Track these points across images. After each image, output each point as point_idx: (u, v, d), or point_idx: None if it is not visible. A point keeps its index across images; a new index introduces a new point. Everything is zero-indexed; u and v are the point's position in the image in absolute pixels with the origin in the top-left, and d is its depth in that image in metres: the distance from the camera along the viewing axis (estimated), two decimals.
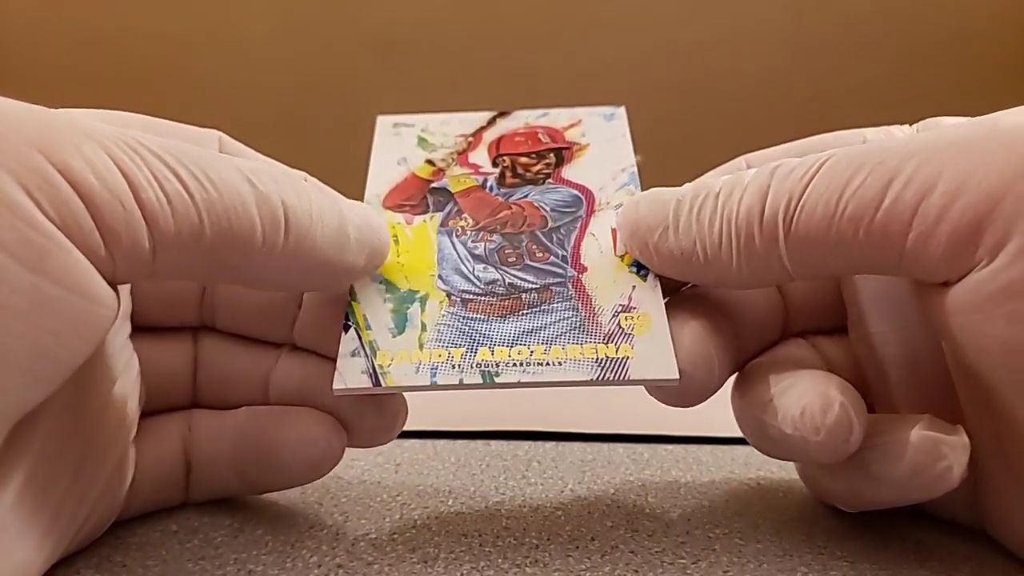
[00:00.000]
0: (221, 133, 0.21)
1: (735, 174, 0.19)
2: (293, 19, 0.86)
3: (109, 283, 0.15)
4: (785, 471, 0.25)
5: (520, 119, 0.26)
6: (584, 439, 0.28)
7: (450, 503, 0.23)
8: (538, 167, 0.24)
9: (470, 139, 0.25)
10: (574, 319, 0.20)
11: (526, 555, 0.20)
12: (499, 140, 0.25)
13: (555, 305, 0.20)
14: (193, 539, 0.20)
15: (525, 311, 0.20)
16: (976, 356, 0.17)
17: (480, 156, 0.24)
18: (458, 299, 0.21)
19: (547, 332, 0.20)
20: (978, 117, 0.20)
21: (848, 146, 0.21)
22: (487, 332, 0.20)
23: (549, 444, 0.28)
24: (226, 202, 0.16)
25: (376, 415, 0.21)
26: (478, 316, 0.20)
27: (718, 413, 0.32)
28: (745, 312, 0.22)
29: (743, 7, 0.89)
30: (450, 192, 0.23)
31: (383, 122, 0.26)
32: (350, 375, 0.19)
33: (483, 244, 0.22)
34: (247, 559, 0.19)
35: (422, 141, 0.25)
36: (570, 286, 0.21)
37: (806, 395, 0.18)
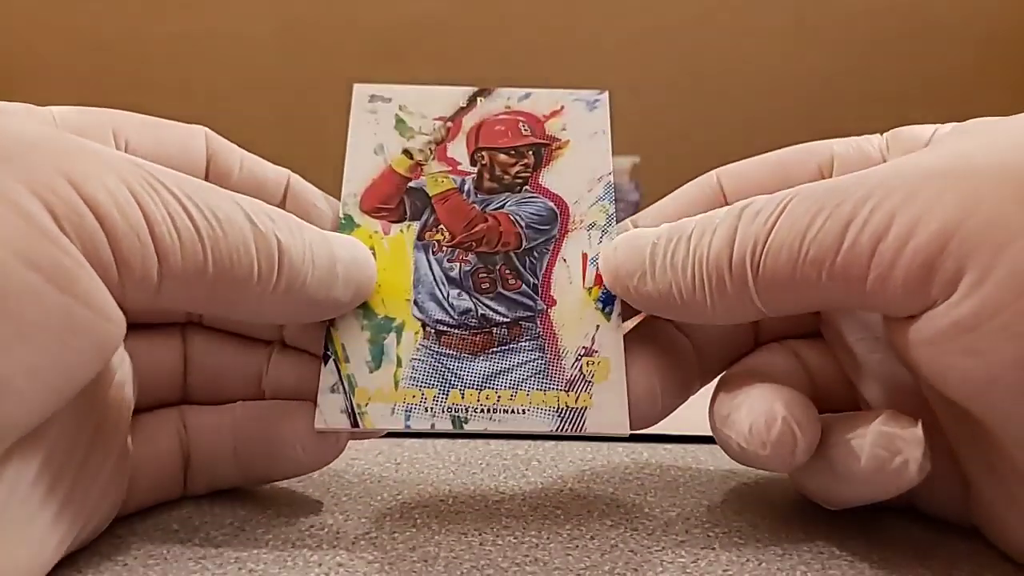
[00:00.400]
0: (207, 129, 0.21)
1: (706, 215, 0.20)
2: (293, 19, 0.86)
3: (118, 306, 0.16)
4: None
5: (501, 99, 0.25)
6: (583, 439, 0.29)
7: (450, 502, 0.23)
8: (517, 168, 0.24)
9: (449, 124, 0.25)
10: (539, 362, 0.21)
11: (526, 554, 0.20)
12: (479, 129, 0.25)
13: (523, 344, 0.21)
14: (194, 538, 0.20)
15: (495, 349, 0.21)
16: (941, 385, 0.17)
17: (459, 149, 0.24)
18: (432, 331, 0.21)
19: (514, 375, 0.21)
20: (935, 141, 0.20)
21: (814, 168, 0.22)
22: (459, 372, 0.21)
23: (549, 443, 0.28)
24: (229, 241, 0.17)
25: None
26: (451, 353, 0.21)
27: None
28: (707, 328, 0.23)
29: (745, 6, 0.90)
30: (428, 196, 0.23)
31: (360, 92, 0.25)
32: (330, 413, 0.20)
33: (458, 265, 0.22)
34: (248, 558, 0.19)
35: (400, 123, 0.24)
36: (538, 323, 0.22)
37: (753, 411, 0.19)
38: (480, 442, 0.28)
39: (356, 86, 0.25)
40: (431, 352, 0.21)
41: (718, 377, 0.23)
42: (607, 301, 0.22)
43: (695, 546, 0.20)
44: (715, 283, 0.19)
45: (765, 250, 0.18)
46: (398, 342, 0.21)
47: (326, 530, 0.21)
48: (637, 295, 0.20)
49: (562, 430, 0.20)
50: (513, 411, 0.21)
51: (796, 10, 0.89)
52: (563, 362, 0.21)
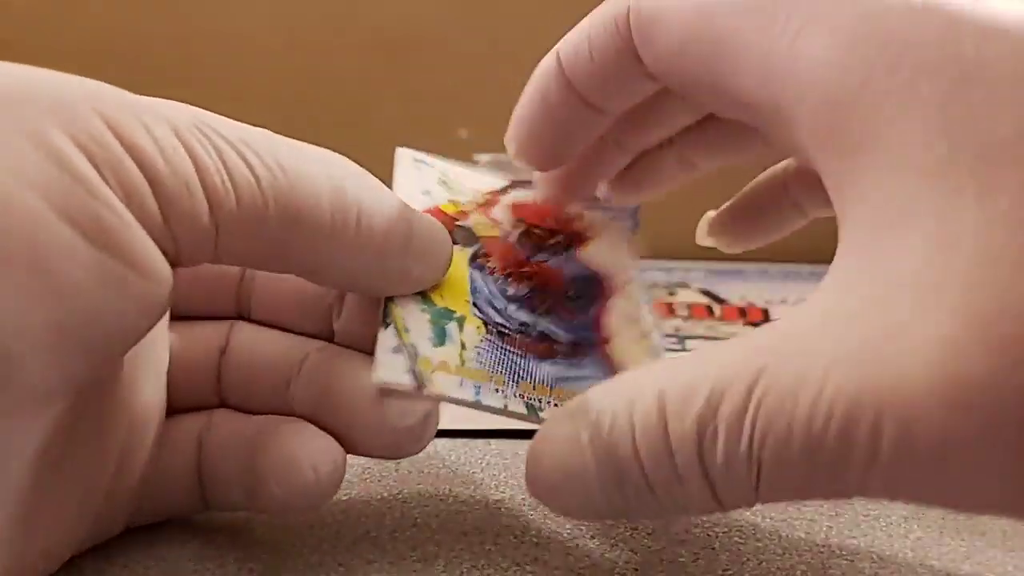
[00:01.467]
0: None
1: None
2: (294, 20, 0.86)
3: (170, 263, 0.15)
4: None
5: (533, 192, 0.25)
6: None
7: (450, 502, 0.23)
8: (554, 240, 0.24)
9: (488, 196, 0.24)
10: (606, 379, 0.20)
11: (526, 553, 0.20)
12: (516, 206, 0.24)
13: (587, 360, 0.21)
14: (194, 539, 0.20)
15: (559, 359, 0.21)
16: None
17: (500, 213, 0.24)
18: (494, 330, 0.20)
19: (585, 383, 0.19)
20: None
21: None
22: (527, 368, 0.20)
23: None
24: (296, 191, 0.16)
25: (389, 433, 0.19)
26: (516, 351, 0.20)
27: None
28: None
29: None
30: (476, 235, 0.23)
31: (403, 154, 0.24)
32: (392, 369, 0.18)
33: (514, 287, 0.22)
34: (247, 558, 0.19)
35: (443, 183, 0.24)
36: (598, 351, 0.21)
37: None
38: (480, 441, 0.28)
39: (399, 150, 0.24)
40: (496, 346, 0.20)
41: None
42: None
43: (695, 545, 0.20)
44: None
45: None
46: (460, 330, 0.20)
47: (326, 530, 0.21)
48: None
49: None
50: None
51: None
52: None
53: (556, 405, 0.19)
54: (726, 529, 0.21)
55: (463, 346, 0.20)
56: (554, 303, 0.22)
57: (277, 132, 0.17)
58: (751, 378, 0.14)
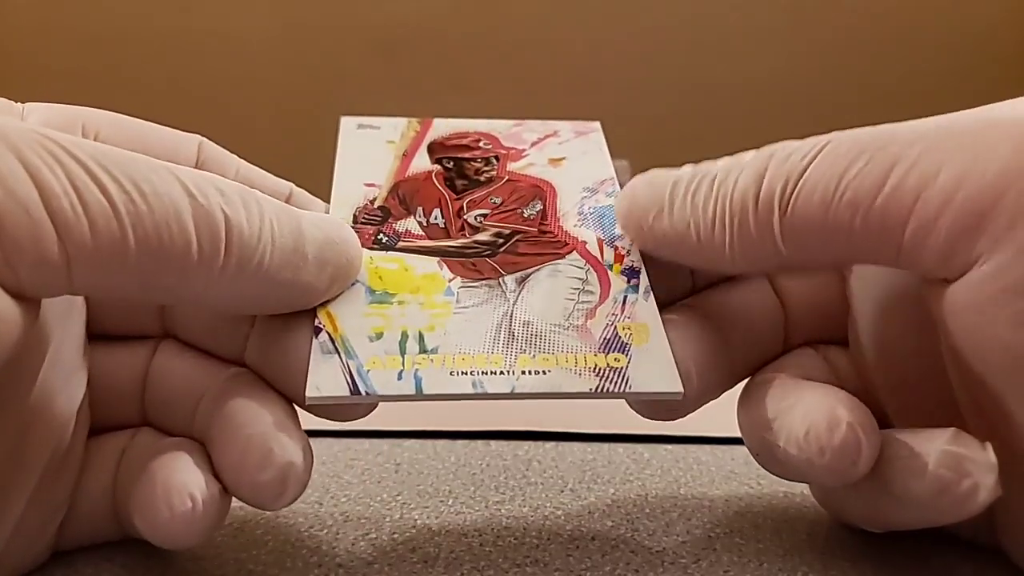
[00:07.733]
0: (202, 139, 0.20)
1: (734, 156, 0.19)
2: (293, 20, 0.86)
3: (14, 295, 0.14)
4: None
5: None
6: (584, 439, 0.28)
7: (450, 503, 0.23)
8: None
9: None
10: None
11: (526, 555, 0.20)
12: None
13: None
14: None
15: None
16: (978, 362, 0.16)
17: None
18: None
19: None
20: (978, 108, 0.19)
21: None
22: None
23: (549, 444, 0.28)
24: (156, 216, 0.15)
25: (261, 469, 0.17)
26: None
27: (718, 413, 0.32)
28: (739, 321, 0.21)
29: (743, 7, 0.90)
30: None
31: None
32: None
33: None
34: (247, 559, 0.19)
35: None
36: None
37: (811, 414, 0.17)
38: (480, 442, 0.28)
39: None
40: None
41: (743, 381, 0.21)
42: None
43: (696, 546, 0.20)
44: (737, 222, 0.17)
45: (797, 189, 0.17)
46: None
47: (325, 531, 0.21)
48: (651, 235, 0.19)
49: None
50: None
51: (792, 14, 0.89)
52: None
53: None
54: (728, 530, 0.21)
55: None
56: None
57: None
58: None
